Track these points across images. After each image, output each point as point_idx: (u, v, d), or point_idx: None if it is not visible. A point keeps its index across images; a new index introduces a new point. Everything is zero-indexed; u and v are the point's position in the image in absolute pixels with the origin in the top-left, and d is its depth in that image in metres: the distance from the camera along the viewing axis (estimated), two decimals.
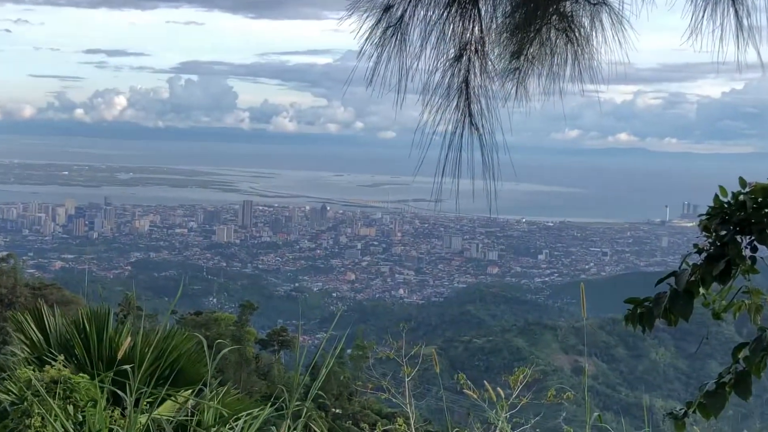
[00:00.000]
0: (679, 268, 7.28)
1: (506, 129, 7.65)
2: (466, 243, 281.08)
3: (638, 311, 7.48)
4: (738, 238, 7.09)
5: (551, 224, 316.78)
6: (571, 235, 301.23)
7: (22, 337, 11.05)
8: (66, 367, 9.92)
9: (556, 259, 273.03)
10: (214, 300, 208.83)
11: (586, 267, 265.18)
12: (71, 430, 8.98)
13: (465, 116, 7.74)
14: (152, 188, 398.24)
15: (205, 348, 10.16)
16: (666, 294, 7.30)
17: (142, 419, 9.18)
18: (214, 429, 9.61)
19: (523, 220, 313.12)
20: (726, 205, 7.12)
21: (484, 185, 7.43)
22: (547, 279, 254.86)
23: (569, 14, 7.81)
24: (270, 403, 9.30)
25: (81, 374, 9.81)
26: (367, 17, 7.55)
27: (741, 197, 7.09)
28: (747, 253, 7.09)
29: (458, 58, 7.78)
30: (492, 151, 7.56)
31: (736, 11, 7.26)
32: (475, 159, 7.55)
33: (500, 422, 12.29)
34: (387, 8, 7.64)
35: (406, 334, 14.67)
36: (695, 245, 7.24)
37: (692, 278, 7.21)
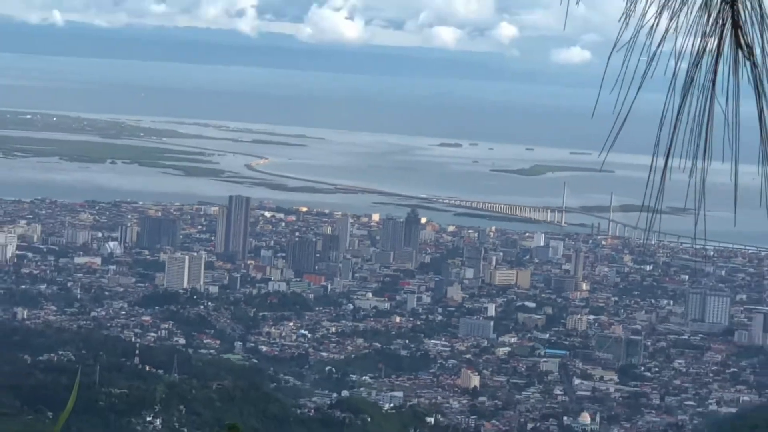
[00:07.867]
0: None
1: None
2: (738, 312, 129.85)
3: None
4: None
5: None
6: None
7: None
8: None
9: None
10: (158, 422, 79.93)
11: None
12: None
13: (724, 25, 4.58)
14: (16, 163, 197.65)
15: None
16: None
17: None
18: None
19: None
20: None
21: None
22: None
23: None
24: None
25: None
26: None
27: None
28: None
29: None
30: None
31: None
32: (747, 115, 4.42)
33: None
34: None
35: None
36: None
37: None
